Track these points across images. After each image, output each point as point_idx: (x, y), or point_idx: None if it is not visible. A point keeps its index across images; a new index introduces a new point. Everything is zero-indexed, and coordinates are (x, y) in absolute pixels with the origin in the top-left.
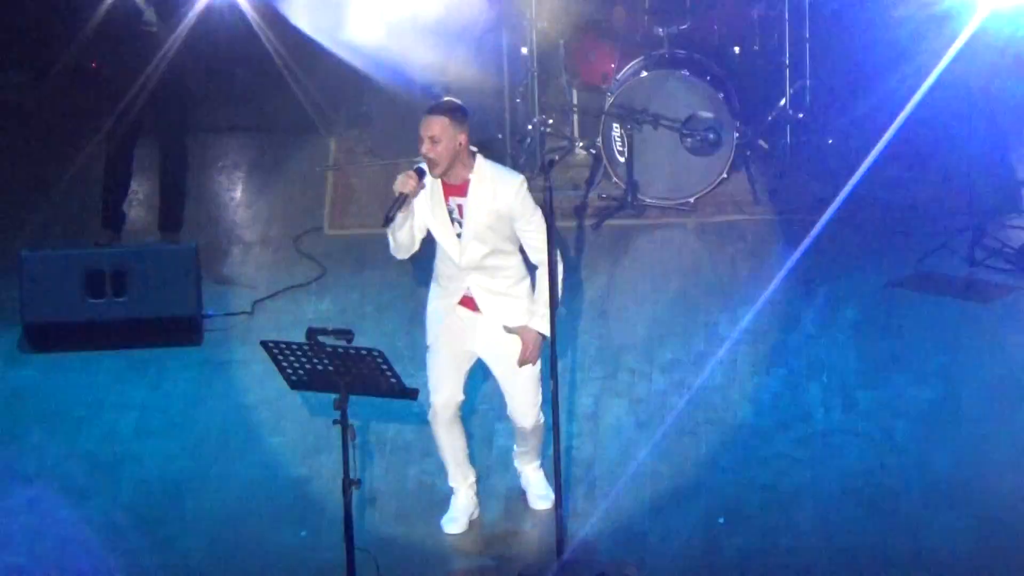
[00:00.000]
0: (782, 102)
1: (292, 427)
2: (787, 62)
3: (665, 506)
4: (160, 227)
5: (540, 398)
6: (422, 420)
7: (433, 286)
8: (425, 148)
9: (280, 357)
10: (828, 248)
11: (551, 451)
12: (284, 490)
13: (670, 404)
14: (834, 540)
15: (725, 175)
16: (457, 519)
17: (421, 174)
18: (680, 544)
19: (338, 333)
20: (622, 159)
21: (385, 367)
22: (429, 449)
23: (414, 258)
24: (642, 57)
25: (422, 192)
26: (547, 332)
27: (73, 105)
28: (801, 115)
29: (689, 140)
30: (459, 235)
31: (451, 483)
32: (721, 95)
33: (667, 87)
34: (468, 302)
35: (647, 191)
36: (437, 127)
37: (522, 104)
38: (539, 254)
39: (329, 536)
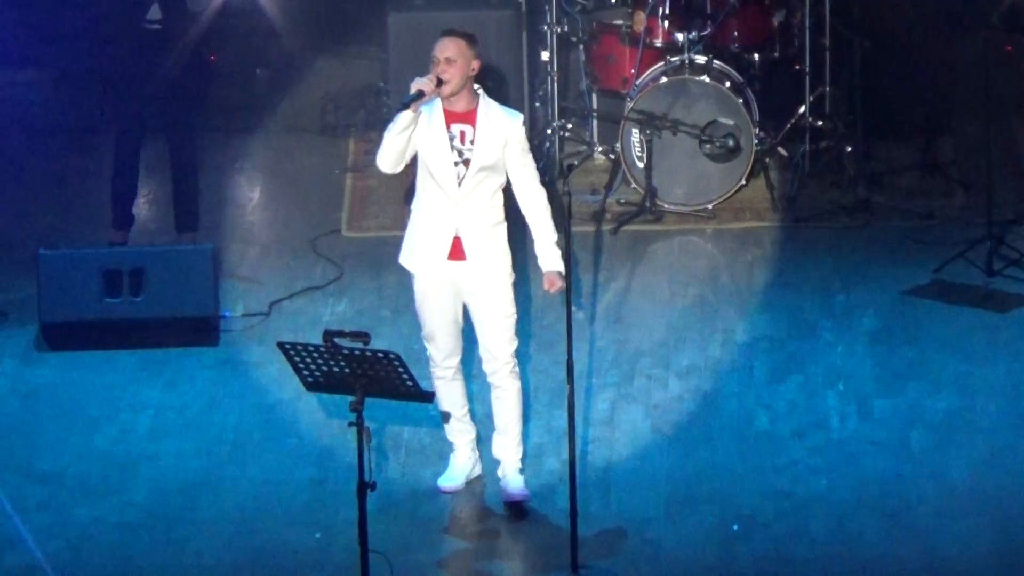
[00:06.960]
0: (801, 109)
1: (307, 429)
2: (807, 69)
3: (680, 512)
4: (177, 228)
5: (516, 342)
6: (438, 423)
7: (413, 243)
8: (440, 68)
9: (296, 359)
10: (846, 256)
11: (566, 455)
12: (299, 492)
13: (686, 410)
14: (849, 548)
15: (744, 182)
16: (455, 478)
17: (440, 84)
18: (694, 551)
19: (355, 335)
20: (641, 164)
21: (402, 370)
22: (445, 452)
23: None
24: (662, 63)
25: (420, 118)
26: (562, 268)
27: (87, 102)
28: (820, 123)
29: (708, 146)
30: (456, 163)
31: (449, 437)
32: (740, 101)
33: (687, 93)
34: (455, 251)
35: (666, 197)
36: (454, 48)
37: (541, 108)
38: (535, 192)
39: (343, 538)
